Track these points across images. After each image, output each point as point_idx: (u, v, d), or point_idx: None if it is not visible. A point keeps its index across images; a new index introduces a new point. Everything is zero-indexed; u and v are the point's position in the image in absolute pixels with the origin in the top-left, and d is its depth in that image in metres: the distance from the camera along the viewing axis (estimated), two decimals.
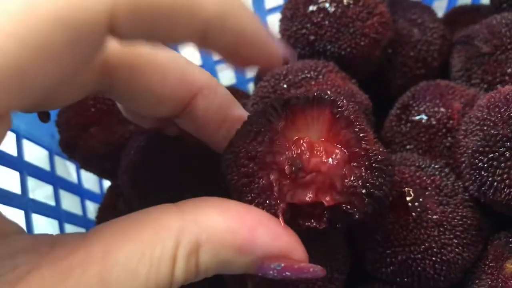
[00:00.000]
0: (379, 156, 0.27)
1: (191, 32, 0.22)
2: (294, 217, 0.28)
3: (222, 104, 0.32)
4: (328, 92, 0.29)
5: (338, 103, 0.28)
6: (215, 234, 0.24)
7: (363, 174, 0.27)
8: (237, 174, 0.29)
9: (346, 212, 0.27)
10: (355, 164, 0.28)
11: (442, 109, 0.44)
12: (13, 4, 0.18)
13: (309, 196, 0.28)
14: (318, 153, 0.28)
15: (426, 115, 0.45)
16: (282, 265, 0.25)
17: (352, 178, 0.27)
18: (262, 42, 0.25)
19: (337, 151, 0.28)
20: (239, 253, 0.24)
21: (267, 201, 0.28)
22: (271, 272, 0.25)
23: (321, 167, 0.28)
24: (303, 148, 0.28)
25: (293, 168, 0.28)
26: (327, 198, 0.28)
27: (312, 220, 0.28)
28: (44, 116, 0.35)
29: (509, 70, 0.45)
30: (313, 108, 0.29)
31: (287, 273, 0.25)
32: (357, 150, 0.28)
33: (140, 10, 0.20)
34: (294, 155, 0.28)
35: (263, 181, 0.28)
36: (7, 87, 0.18)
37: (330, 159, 0.28)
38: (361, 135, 0.27)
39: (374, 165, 0.27)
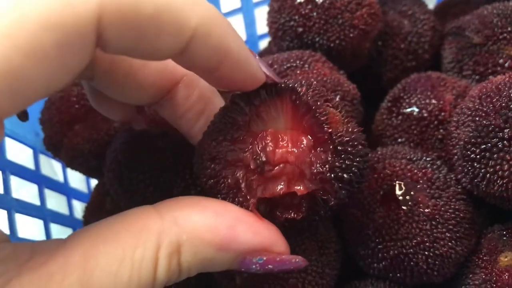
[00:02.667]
0: (344, 138, 0.26)
1: (175, 42, 0.22)
2: (272, 210, 0.28)
3: (202, 94, 0.32)
4: (288, 80, 0.28)
5: (297, 89, 0.27)
6: (195, 233, 0.24)
7: (329, 158, 0.26)
8: (204, 176, 0.28)
9: (322, 199, 0.27)
10: (321, 149, 0.27)
11: (433, 101, 0.43)
12: (3, 7, 0.18)
13: (280, 188, 0.27)
14: (284, 143, 0.28)
15: (418, 108, 0.44)
16: (264, 258, 0.25)
17: (318, 165, 0.27)
18: (245, 61, 0.25)
19: (302, 138, 0.28)
20: (219, 250, 0.24)
21: (236, 199, 0.27)
22: (253, 266, 0.25)
23: (288, 157, 0.27)
24: (267, 141, 0.28)
25: (257, 162, 0.27)
26: (300, 188, 0.27)
27: (290, 211, 0.28)
28: (22, 115, 0.33)
29: (501, 61, 0.45)
30: (275, 98, 0.28)
31: (269, 266, 0.25)
32: (320, 135, 0.27)
33: (126, 14, 0.20)
34: (258, 149, 0.27)
35: (229, 180, 0.28)
36: None
37: (296, 148, 0.27)
38: (322, 118, 0.27)
39: (339, 148, 0.26)
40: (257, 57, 0.27)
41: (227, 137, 0.28)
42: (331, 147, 0.27)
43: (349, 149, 0.26)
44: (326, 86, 0.39)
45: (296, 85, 0.27)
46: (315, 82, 0.28)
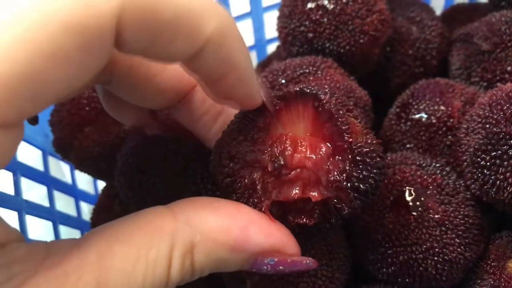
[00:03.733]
0: (364, 149, 0.27)
1: (189, 47, 0.22)
2: (285, 213, 0.28)
3: None
4: (312, 86, 0.28)
5: (320, 96, 0.28)
6: (208, 234, 0.24)
7: (346, 168, 0.27)
8: (221, 174, 0.29)
9: (335, 207, 0.27)
10: (339, 158, 0.27)
11: (442, 108, 0.44)
12: (25, 8, 0.18)
13: (295, 193, 0.27)
14: (303, 148, 0.28)
15: (426, 114, 0.44)
16: (276, 259, 0.26)
17: (336, 173, 0.27)
18: (248, 79, 0.25)
19: (322, 145, 0.28)
20: (232, 251, 0.25)
21: (251, 200, 0.28)
22: (265, 267, 0.25)
23: (305, 162, 0.28)
24: (286, 145, 0.28)
25: (275, 165, 0.27)
26: (314, 194, 0.27)
27: (302, 216, 0.28)
28: (32, 120, 0.33)
29: (509, 68, 0.45)
30: (297, 103, 0.28)
31: (280, 267, 0.26)
32: (339, 143, 0.27)
33: (145, 15, 0.20)
34: (277, 152, 0.28)
35: (246, 180, 0.28)
36: (19, 93, 0.18)
37: (314, 154, 0.28)
38: (343, 128, 0.27)
39: (357, 158, 0.27)
40: (259, 79, 0.27)
41: (247, 137, 0.28)
42: (349, 156, 0.27)
43: (367, 160, 0.27)
44: (339, 92, 0.39)
45: (320, 93, 0.28)
46: (337, 91, 0.28)
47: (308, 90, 0.28)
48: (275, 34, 0.52)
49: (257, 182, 0.28)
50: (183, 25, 0.21)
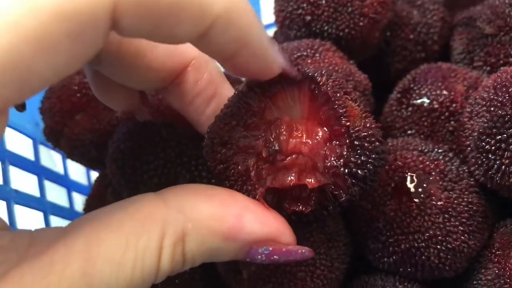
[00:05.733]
0: (362, 133, 0.25)
1: (195, 30, 0.21)
2: (280, 201, 0.27)
3: (212, 78, 0.31)
4: (308, 68, 0.27)
5: (317, 78, 0.26)
6: (201, 221, 0.23)
7: (344, 153, 0.26)
8: (213, 161, 0.28)
9: (333, 194, 0.26)
10: (336, 142, 0.26)
11: (444, 92, 0.42)
12: None
13: (290, 179, 0.27)
14: (299, 133, 0.27)
15: (428, 99, 0.43)
16: (270, 249, 0.25)
17: (333, 158, 0.26)
18: (262, 53, 0.24)
19: (318, 130, 0.27)
20: (226, 240, 0.24)
21: (244, 187, 0.27)
22: (259, 256, 0.25)
23: (301, 148, 0.27)
24: (281, 129, 0.27)
25: (270, 151, 0.26)
26: (311, 180, 0.26)
27: (299, 204, 0.27)
28: (19, 106, 0.32)
29: None
30: (293, 86, 0.27)
31: (275, 256, 0.25)
32: (337, 127, 0.26)
33: (144, 3, 0.19)
34: (272, 137, 0.27)
35: (239, 167, 0.27)
36: (5, 81, 0.17)
37: (311, 139, 0.27)
38: (340, 111, 0.26)
39: (355, 142, 0.25)
40: (276, 47, 0.26)
41: (240, 122, 0.27)
42: (347, 141, 0.26)
43: (365, 144, 0.25)
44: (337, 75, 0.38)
45: (316, 75, 0.26)
46: (335, 73, 0.27)
47: (303, 73, 0.27)
48: (272, 19, 0.50)
49: (251, 168, 0.27)
50: (186, 7, 0.20)
